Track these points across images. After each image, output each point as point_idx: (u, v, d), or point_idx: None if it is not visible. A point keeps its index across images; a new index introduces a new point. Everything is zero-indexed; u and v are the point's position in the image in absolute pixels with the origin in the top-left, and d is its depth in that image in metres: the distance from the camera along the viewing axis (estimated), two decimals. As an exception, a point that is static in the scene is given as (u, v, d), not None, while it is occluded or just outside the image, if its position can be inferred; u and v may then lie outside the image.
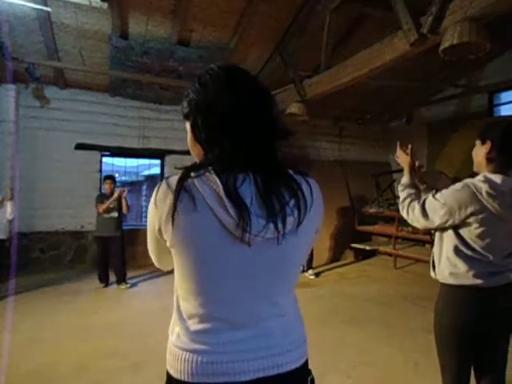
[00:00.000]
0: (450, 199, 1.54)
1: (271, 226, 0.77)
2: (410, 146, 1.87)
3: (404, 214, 1.78)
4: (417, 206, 1.67)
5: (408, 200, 1.74)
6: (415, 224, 1.72)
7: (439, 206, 1.56)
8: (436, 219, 1.58)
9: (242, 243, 0.77)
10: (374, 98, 7.11)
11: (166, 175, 6.65)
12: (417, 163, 1.89)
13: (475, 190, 1.50)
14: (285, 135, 0.85)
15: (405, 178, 1.84)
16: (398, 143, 1.93)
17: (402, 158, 1.89)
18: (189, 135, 0.89)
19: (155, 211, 0.81)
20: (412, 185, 1.80)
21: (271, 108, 0.85)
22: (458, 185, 1.55)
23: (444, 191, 1.59)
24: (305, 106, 5.18)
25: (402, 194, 1.80)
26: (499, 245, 1.55)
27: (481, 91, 6.85)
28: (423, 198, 1.69)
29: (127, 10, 4.30)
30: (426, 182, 1.88)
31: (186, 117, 0.89)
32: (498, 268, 1.55)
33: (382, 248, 6.91)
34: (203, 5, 4.32)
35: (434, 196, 1.62)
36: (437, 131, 7.38)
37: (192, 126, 0.86)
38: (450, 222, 1.55)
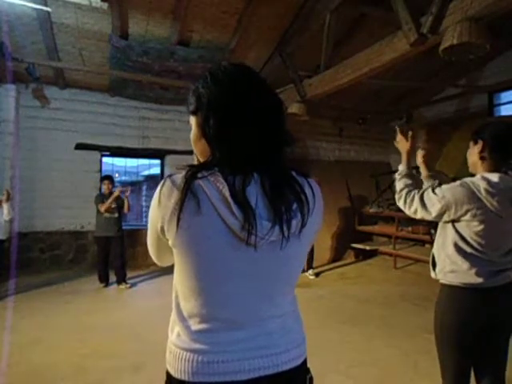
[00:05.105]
0: (448, 194, 1.56)
1: (277, 228, 0.77)
2: (410, 133, 1.81)
3: (400, 203, 1.76)
4: (416, 196, 1.67)
5: (405, 190, 1.72)
6: (412, 214, 1.72)
7: (437, 199, 1.59)
8: (433, 211, 1.61)
9: (247, 245, 0.76)
10: (374, 98, 7.11)
11: (166, 175, 6.65)
12: (420, 153, 1.88)
13: (473, 188, 1.52)
14: (290, 142, 0.86)
15: (402, 166, 1.80)
16: (398, 128, 1.86)
17: (402, 144, 1.83)
18: (194, 131, 0.88)
19: (158, 209, 0.80)
20: (409, 174, 1.77)
21: (282, 112, 0.86)
22: (457, 182, 1.58)
23: (443, 186, 1.62)
24: (305, 106, 5.19)
25: (398, 184, 1.78)
26: (498, 242, 1.56)
27: (481, 91, 6.86)
28: (423, 189, 1.69)
29: (127, 10, 4.30)
30: (431, 172, 1.87)
31: (195, 112, 0.86)
32: (498, 266, 1.55)
33: (382, 248, 6.92)
34: (203, 5, 4.32)
35: (433, 190, 1.63)
36: (437, 131, 7.38)
37: (201, 122, 0.83)
38: (445, 216, 1.59)
